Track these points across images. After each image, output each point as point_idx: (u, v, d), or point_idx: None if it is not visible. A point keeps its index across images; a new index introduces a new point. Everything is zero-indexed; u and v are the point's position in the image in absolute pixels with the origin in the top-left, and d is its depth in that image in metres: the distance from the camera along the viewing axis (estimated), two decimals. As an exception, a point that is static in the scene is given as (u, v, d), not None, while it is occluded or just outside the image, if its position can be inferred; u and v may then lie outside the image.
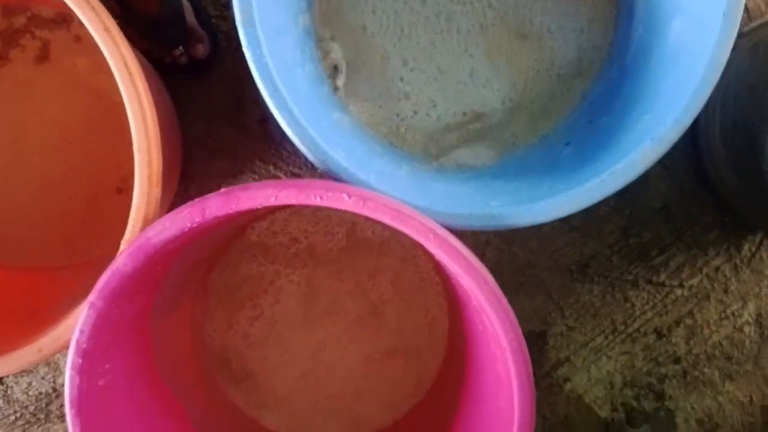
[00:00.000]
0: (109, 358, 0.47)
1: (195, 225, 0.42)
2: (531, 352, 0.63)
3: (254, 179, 0.63)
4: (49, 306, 0.55)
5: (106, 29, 0.41)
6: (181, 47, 0.57)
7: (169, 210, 0.64)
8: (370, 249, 0.61)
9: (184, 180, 0.64)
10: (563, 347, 0.63)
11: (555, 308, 0.63)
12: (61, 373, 0.66)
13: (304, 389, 0.63)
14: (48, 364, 0.66)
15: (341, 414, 0.63)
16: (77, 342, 0.43)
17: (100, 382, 0.47)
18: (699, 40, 0.41)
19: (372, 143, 0.51)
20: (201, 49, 0.58)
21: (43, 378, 0.66)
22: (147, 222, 0.44)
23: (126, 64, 0.41)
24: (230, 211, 0.42)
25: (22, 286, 0.61)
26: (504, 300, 0.42)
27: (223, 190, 0.42)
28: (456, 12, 0.54)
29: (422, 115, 0.54)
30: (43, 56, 0.57)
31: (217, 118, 0.62)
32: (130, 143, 0.43)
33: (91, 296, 0.43)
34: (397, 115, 0.54)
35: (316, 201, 0.42)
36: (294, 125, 0.42)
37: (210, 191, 0.63)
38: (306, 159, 0.58)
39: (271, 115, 0.44)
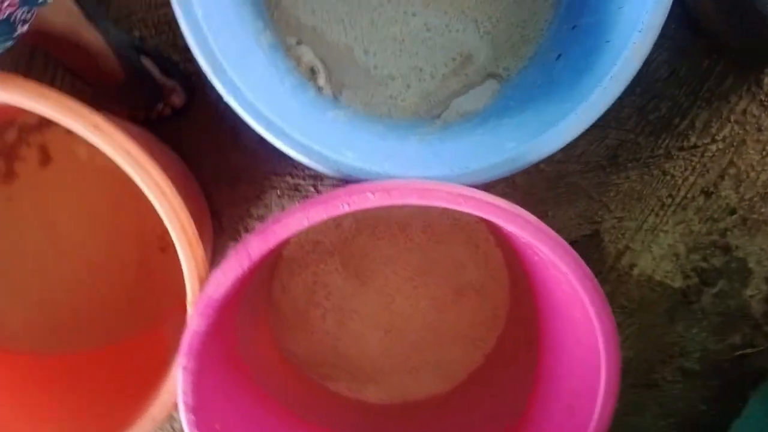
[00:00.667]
0: (219, 398, 0.51)
1: (245, 268, 0.44)
2: (590, 253, 0.65)
3: (277, 194, 0.65)
4: (133, 377, 0.59)
5: (96, 126, 0.42)
6: (159, 104, 0.59)
7: (214, 248, 0.67)
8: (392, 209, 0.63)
9: (216, 216, 0.66)
10: (619, 238, 0.64)
11: (599, 206, 0.63)
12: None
13: (390, 352, 0.66)
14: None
15: (430, 364, 0.66)
16: (184, 403, 0.47)
17: (217, 426, 0.51)
18: None
19: (373, 127, 0.52)
20: (176, 100, 0.60)
21: None
22: (202, 280, 0.46)
23: (128, 152, 0.43)
24: (272, 246, 0.44)
25: (101, 366, 0.65)
26: (549, 230, 0.43)
27: (258, 228, 0.44)
28: None
29: (414, 84, 0.54)
30: (45, 159, 0.59)
31: (220, 150, 0.63)
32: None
33: (181, 361, 0.46)
34: (390, 96, 0.54)
35: (345, 209, 0.43)
36: (298, 147, 0.43)
37: (242, 220, 0.66)
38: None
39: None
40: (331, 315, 0.66)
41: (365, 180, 0.44)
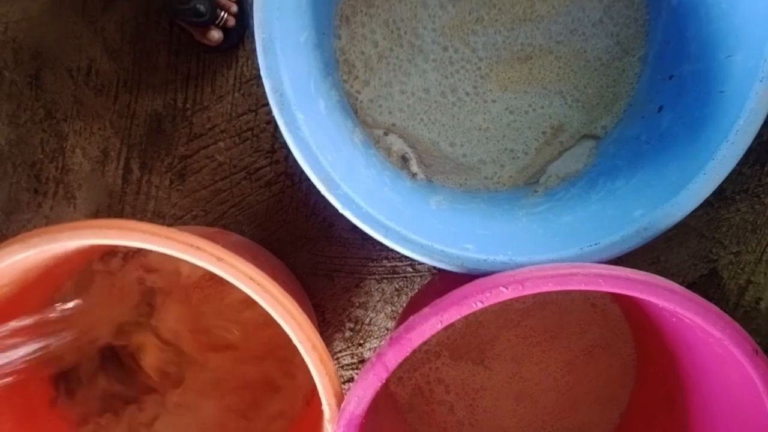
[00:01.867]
0: None
1: (384, 380, 0.43)
2: (711, 293, 0.62)
3: (375, 279, 0.64)
4: None
5: (220, 259, 0.43)
6: (222, 13, 0.56)
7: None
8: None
9: (318, 310, 0.66)
10: (739, 273, 0.61)
11: (713, 243, 0.60)
12: None
13: (526, 422, 0.63)
14: None
15: (568, 430, 0.63)
16: None
17: None
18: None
19: (476, 206, 0.51)
20: (215, 34, 0.57)
21: None
22: (338, 395, 0.45)
23: (254, 280, 0.43)
24: (407, 354, 0.43)
25: None
26: (698, 298, 0.41)
27: (392, 337, 0.43)
28: (455, 81, 0.54)
29: (509, 164, 0.54)
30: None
31: (314, 243, 0.63)
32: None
33: (331, 482, 0.45)
34: (485, 178, 0.53)
35: (479, 306, 0.42)
36: (419, 249, 0.42)
37: (344, 310, 0.66)
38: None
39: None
40: (458, 405, 0.64)
41: (491, 272, 0.43)
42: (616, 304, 0.61)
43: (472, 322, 0.62)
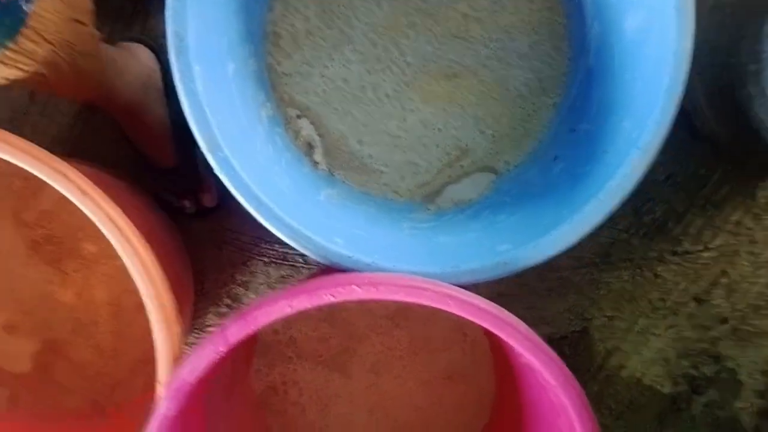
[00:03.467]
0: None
1: (221, 353, 0.43)
2: (579, 350, 0.64)
3: (264, 262, 0.63)
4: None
5: (84, 192, 0.41)
6: (189, 198, 0.58)
7: (192, 312, 0.66)
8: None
9: (199, 278, 0.64)
10: (609, 337, 0.63)
11: (590, 303, 0.62)
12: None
13: (376, 430, 0.63)
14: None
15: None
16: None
17: None
18: (657, 31, 0.40)
19: (366, 209, 0.51)
20: (208, 199, 0.59)
21: None
22: (176, 359, 0.45)
23: (112, 220, 0.42)
24: (250, 332, 0.43)
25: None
26: (541, 343, 0.42)
27: (238, 312, 0.42)
28: (378, 80, 0.54)
29: (409, 177, 0.54)
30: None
31: (207, 215, 0.62)
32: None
33: (146, 443, 0.44)
34: (385, 184, 0.54)
35: (329, 299, 0.42)
36: (287, 231, 0.42)
37: (225, 285, 0.65)
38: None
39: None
40: (310, 408, 0.63)
41: (353, 269, 0.43)
42: (486, 337, 0.62)
43: (338, 321, 0.62)
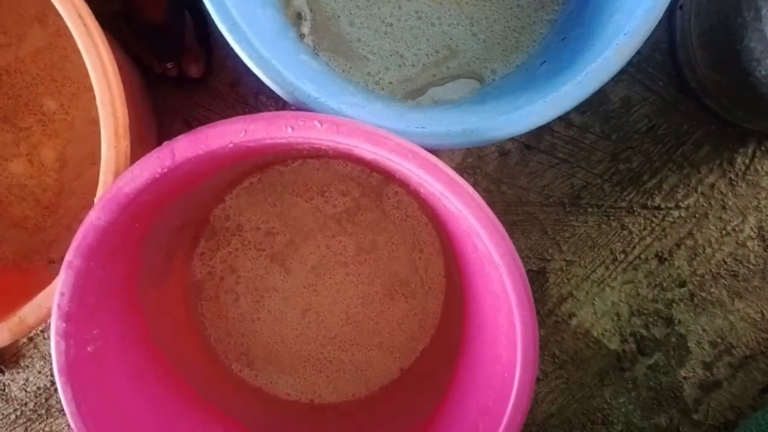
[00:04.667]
0: (97, 323, 0.46)
1: (166, 170, 0.41)
2: (533, 290, 0.62)
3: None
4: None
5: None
6: (173, 62, 0.57)
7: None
8: (341, 204, 0.60)
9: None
10: (564, 283, 0.62)
11: (552, 244, 0.61)
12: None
13: (307, 337, 0.61)
14: (44, 357, 0.65)
15: (345, 366, 0.61)
16: (59, 306, 0.42)
17: (89, 348, 0.45)
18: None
19: (344, 83, 0.50)
20: (195, 69, 0.57)
21: (39, 372, 0.65)
22: (118, 176, 0.43)
23: (80, 15, 0.40)
24: (200, 152, 0.41)
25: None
26: (491, 214, 0.41)
27: (192, 130, 0.41)
28: None
29: (394, 69, 0.53)
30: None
31: (188, 85, 0.61)
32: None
33: (68, 255, 0.42)
34: (369, 73, 0.53)
35: (288, 132, 0.40)
36: (257, 58, 0.41)
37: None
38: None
39: (242, 74, 0.43)
40: (245, 298, 0.61)
41: (317, 111, 0.42)
42: (441, 256, 0.60)
43: (289, 218, 0.60)
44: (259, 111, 0.61)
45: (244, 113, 0.62)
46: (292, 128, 0.40)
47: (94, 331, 0.46)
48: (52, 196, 0.57)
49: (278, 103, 0.61)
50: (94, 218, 0.41)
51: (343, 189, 0.59)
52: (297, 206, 0.59)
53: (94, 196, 0.57)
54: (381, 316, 0.60)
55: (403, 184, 0.59)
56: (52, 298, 0.43)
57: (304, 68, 0.46)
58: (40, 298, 0.44)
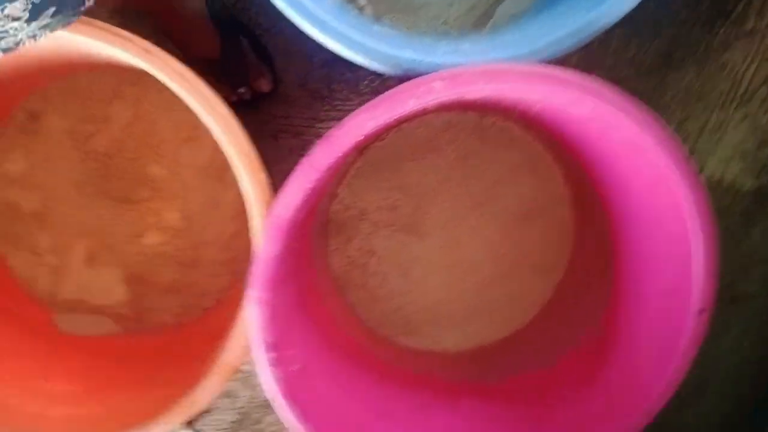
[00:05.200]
0: (291, 343, 0.48)
1: (312, 184, 0.42)
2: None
3: (322, 140, 0.63)
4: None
5: (148, 52, 0.41)
6: (243, 87, 0.57)
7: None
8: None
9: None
10: (684, 141, 0.61)
11: (658, 108, 0.60)
12: (238, 397, 0.68)
13: (459, 292, 0.63)
14: (227, 395, 0.68)
15: (502, 301, 0.63)
16: (262, 339, 0.44)
17: (295, 368, 0.48)
18: None
19: (426, 37, 0.49)
20: (264, 84, 0.58)
21: (224, 410, 0.68)
22: (268, 205, 0.44)
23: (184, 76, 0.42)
24: (338, 155, 0.42)
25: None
26: (637, 104, 0.40)
27: (320, 140, 0.42)
28: None
29: (457, 4, 0.52)
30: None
31: (263, 102, 0.62)
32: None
33: (254, 292, 0.44)
34: (434, 17, 0.52)
35: (412, 106, 0.40)
36: (355, 46, 0.41)
37: (287, 174, 0.64)
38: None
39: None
40: (391, 275, 0.63)
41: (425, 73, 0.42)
42: (557, 166, 0.61)
43: (407, 185, 0.61)
44: (336, 100, 0.62)
45: (324, 108, 0.62)
46: (416, 97, 0.40)
47: (293, 351, 0.49)
48: (189, 252, 0.60)
49: (350, 85, 0.61)
50: (266, 251, 0.43)
51: (447, 138, 0.60)
52: (411, 171, 0.60)
53: (226, 237, 0.60)
54: (523, 241, 0.61)
55: (500, 112, 0.59)
56: (244, 336, 0.46)
57: (387, 38, 0.46)
58: (234, 339, 0.47)
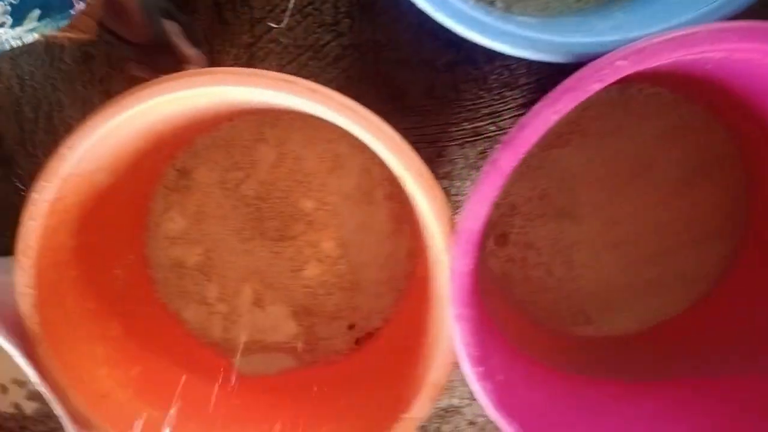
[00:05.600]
0: (489, 352, 0.47)
1: (497, 191, 0.41)
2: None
3: (457, 145, 0.61)
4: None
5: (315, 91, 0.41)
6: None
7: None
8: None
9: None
10: None
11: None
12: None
13: (627, 273, 0.60)
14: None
15: (675, 274, 0.60)
16: (470, 355, 0.44)
17: (500, 378, 0.47)
18: None
19: (567, 18, 0.47)
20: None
21: None
22: (450, 221, 0.43)
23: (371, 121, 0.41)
24: (521, 155, 0.40)
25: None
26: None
27: (503, 141, 0.40)
28: None
29: None
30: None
31: (388, 118, 0.61)
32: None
33: (455, 310, 0.43)
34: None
35: (597, 87, 0.38)
36: (522, 42, 0.40)
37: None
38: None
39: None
40: (554, 264, 0.61)
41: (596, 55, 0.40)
42: (718, 121, 0.57)
43: (554, 171, 0.59)
44: (466, 101, 0.61)
45: (454, 111, 0.61)
46: (600, 81, 0.38)
47: (494, 362, 0.48)
48: (350, 278, 0.60)
49: (478, 83, 0.60)
50: (460, 267, 0.42)
51: (590, 116, 0.57)
52: (556, 157, 0.58)
53: (383, 257, 0.60)
54: (688, 209, 0.58)
55: (647, 79, 0.56)
56: (447, 356, 0.46)
57: (555, 27, 0.44)
58: (437, 360, 0.46)
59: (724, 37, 0.36)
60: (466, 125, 0.61)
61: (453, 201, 0.64)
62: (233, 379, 0.60)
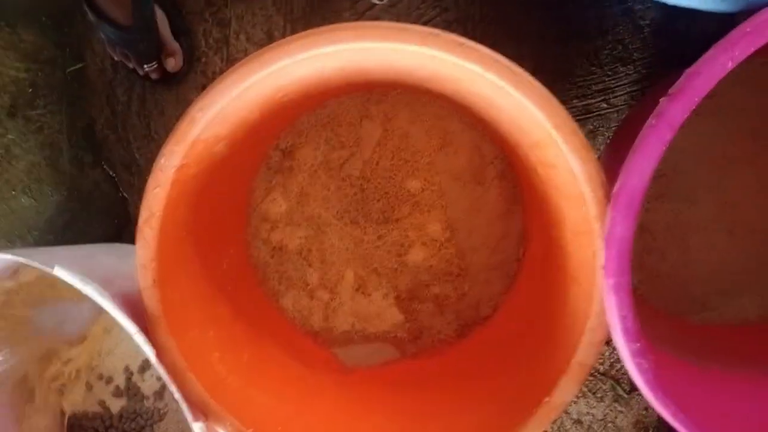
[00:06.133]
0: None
1: (666, 143, 0.38)
2: None
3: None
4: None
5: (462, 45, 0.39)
6: (154, 63, 0.58)
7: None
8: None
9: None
10: None
11: None
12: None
13: (742, 248, 0.57)
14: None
15: None
16: (626, 329, 0.41)
17: (652, 357, 0.44)
18: None
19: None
20: (171, 63, 0.59)
21: None
22: (603, 185, 0.40)
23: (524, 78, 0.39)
24: (693, 107, 0.38)
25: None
26: None
27: (671, 93, 0.38)
28: None
29: None
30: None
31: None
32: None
33: (612, 280, 0.40)
34: None
35: None
36: None
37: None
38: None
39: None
40: (669, 249, 0.58)
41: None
42: None
43: (668, 151, 0.56)
44: (577, 77, 0.58)
45: (564, 90, 0.59)
46: None
47: (644, 340, 0.44)
48: (457, 262, 0.57)
49: (590, 59, 0.57)
50: (621, 230, 0.39)
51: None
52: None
53: (494, 240, 0.57)
54: None
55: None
56: (595, 334, 0.42)
57: None
58: (586, 339, 0.43)
59: None
60: (576, 102, 0.59)
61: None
62: (337, 369, 0.57)
